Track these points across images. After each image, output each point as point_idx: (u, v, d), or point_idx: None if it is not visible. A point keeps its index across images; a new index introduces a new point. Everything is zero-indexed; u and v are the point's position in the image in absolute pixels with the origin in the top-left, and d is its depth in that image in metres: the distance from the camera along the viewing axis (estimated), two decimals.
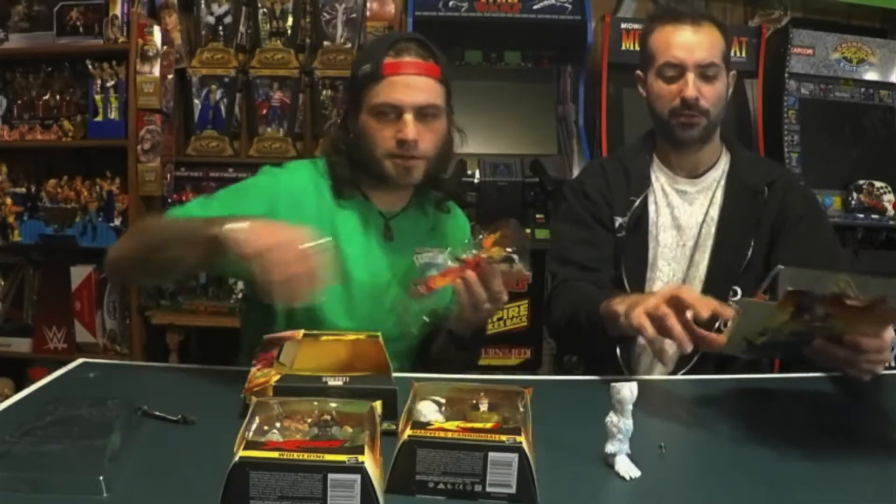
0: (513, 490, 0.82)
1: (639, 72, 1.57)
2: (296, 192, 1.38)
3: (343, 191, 1.41)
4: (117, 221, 2.66)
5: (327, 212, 1.39)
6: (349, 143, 1.41)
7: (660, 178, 1.55)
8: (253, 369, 1.11)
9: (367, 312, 1.38)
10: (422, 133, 1.35)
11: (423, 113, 1.35)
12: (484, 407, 0.94)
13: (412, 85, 1.34)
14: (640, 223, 1.52)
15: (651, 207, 1.53)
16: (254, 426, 0.83)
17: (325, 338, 1.15)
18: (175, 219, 1.31)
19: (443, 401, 0.96)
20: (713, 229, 1.51)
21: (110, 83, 2.66)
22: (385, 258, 1.42)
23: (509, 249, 1.21)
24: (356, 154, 1.40)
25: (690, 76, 1.45)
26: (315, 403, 0.88)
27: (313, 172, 1.44)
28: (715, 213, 1.52)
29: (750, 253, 1.48)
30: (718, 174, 1.55)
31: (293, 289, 1.08)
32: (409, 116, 1.34)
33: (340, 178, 1.41)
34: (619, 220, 1.52)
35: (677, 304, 1.13)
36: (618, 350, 1.51)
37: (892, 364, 1.21)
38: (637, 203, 1.52)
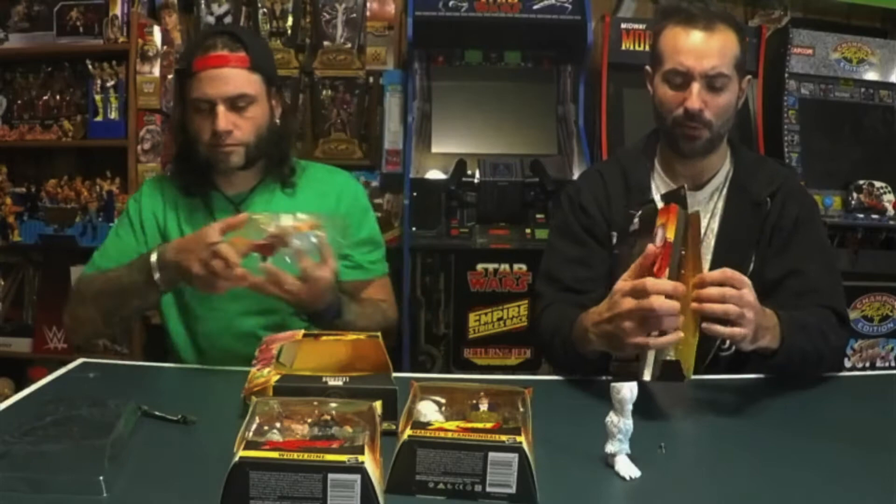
0: (513, 490, 0.82)
1: (647, 68, 1.49)
2: (149, 209, 1.55)
3: (189, 189, 1.53)
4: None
5: (174, 215, 1.53)
6: (184, 140, 1.51)
7: (660, 189, 1.49)
8: (253, 369, 1.11)
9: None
10: (236, 122, 1.44)
11: (235, 104, 1.44)
12: (484, 407, 0.94)
13: (220, 77, 1.43)
14: None
15: None
16: (254, 426, 0.83)
17: (325, 338, 1.16)
18: (105, 276, 1.46)
19: (443, 401, 0.96)
20: (713, 242, 1.46)
21: (110, 83, 2.66)
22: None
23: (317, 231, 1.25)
24: (190, 148, 1.49)
25: (696, 86, 1.38)
26: (315, 403, 0.88)
27: (159, 185, 1.58)
28: (715, 224, 1.46)
29: (752, 267, 1.42)
30: (721, 180, 1.49)
31: (209, 278, 1.26)
32: (220, 109, 1.43)
33: (182, 177, 1.54)
34: (616, 236, 1.47)
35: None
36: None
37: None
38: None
